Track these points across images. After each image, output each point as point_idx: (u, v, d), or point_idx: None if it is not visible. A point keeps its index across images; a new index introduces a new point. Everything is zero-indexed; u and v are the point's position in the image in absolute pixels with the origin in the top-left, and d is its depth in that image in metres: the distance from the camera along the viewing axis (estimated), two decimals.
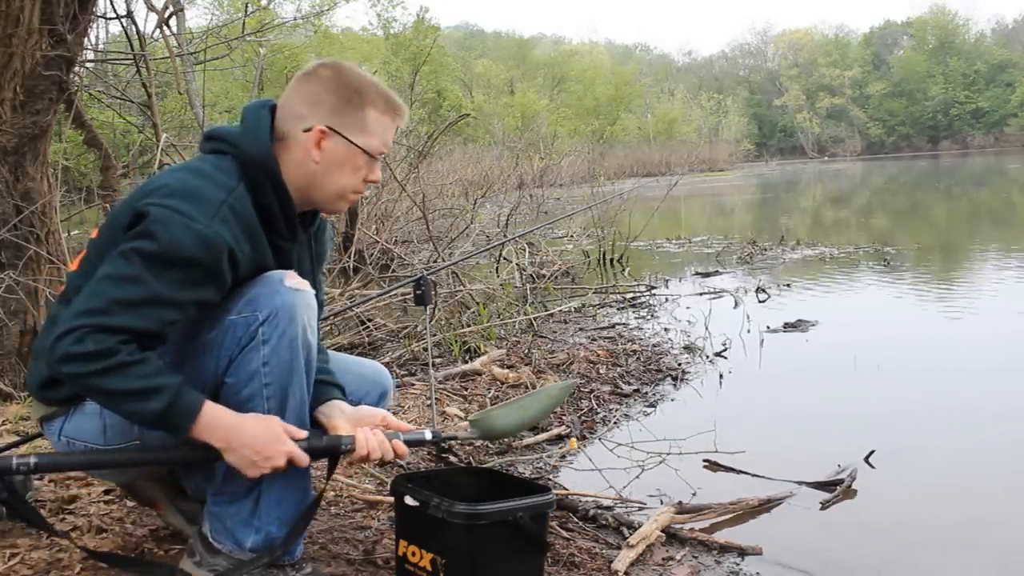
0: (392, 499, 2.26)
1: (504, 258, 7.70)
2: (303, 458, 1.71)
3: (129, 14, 4.84)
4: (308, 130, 1.74)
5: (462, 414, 3.68)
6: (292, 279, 1.74)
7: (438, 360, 4.60)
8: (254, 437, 1.66)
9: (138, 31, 4.86)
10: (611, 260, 9.41)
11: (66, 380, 1.58)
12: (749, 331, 5.69)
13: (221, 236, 1.62)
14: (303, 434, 1.73)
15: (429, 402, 3.47)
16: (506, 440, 3.48)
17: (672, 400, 4.35)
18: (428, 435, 1.90)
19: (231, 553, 1.79)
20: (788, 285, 7.70)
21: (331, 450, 1.78)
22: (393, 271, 7.02)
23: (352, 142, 1.75)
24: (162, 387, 1.57)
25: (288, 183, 1.75)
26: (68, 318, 1.55)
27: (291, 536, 1.81)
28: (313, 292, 1.78)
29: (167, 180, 1.67)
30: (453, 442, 1.88)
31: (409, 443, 1.87)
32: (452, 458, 3.15)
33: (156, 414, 1.58)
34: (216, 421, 1.64)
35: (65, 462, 1.78)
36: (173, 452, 1.73)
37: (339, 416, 1.84)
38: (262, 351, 1.70)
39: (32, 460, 1.65)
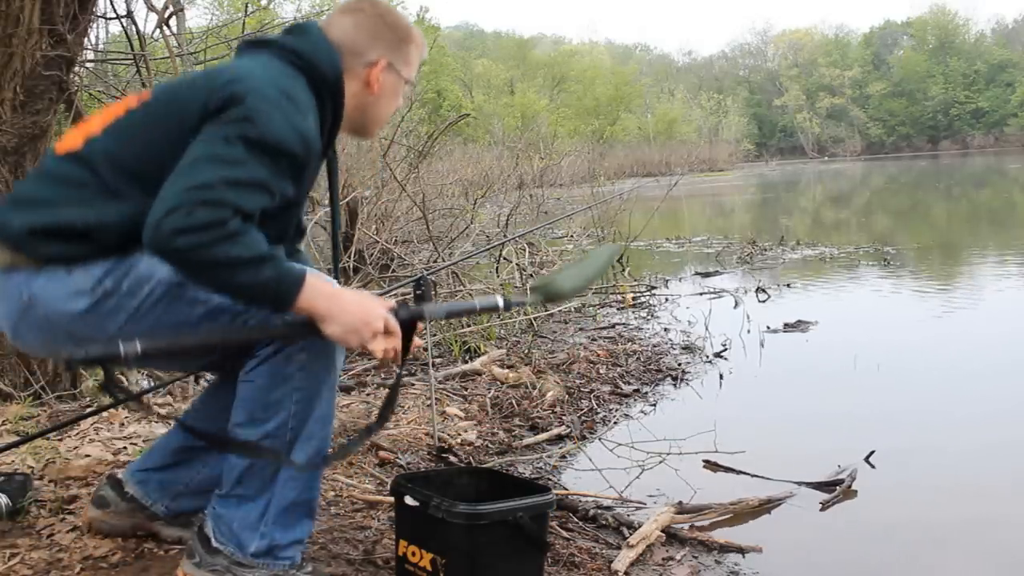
0: (392, 499, 2.26)
1: (504, 258, 7.69)
2: (395, 326, 1.69)
3: (129, 14, 4.83)
4: (371, 64, 1.83)
5: (462, 414, 3.68)
6: None
7: (438, 360, 4.60)
8: (355, 303, 1.65)
9: (138, 31, 4.86)
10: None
11: (173, 256, 1.53)
12: (749, 331, 5.69)
13: (315, 137, 1.69)
14: (391, 303, 1.72)
15: (429, 402, 3.47)
16: (506, 440, 3.49)
17: (672, 400, 4.35)
18: (500, 302, 1.89)
19: (232, 555, 1.78)
20: (788, 285, 7.70)
21: (415, 317, 1.76)
22: (393, 271, 7.02)
23: (401, 74, 1.88)
24: (272, 256, 1.57)
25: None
26: (171, 194, 1.52)
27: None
28: None
29: (254, 69, 1.68)
30: (521, 306, 1.90)
31: (482, 310, 1.92)
32: (452, 458, 3.15)
33: (268, 282, 1.56)
34: (319, 290, 1.62)
35: (175, 344, 1.68)
36: (277, 329, 1.70)
37: None
38: (297, 358, 1.73)
39: (139, 345, 1.57)
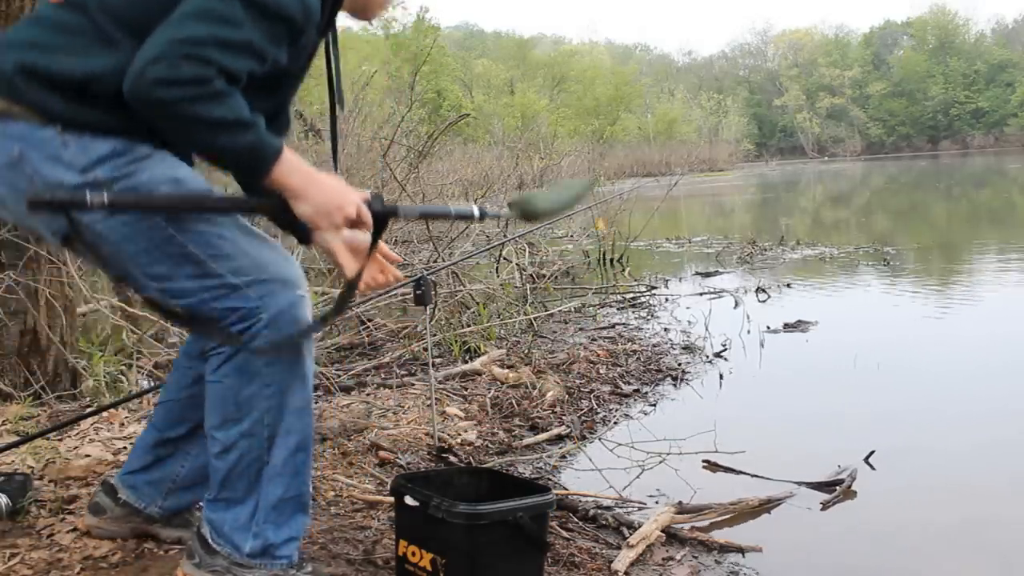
0: (392, 499, 2.26)
1: (504, 258, 7.69)
2: (368, 215, 1.68)
3: None
4: None
5: (462, 414, 3.68)
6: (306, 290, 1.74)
7: (438, 360, 4.60)
8: (331, 185, 1.64)
9: None
10: (611, 260, 9.41)
11: (152, 108, 1.50)
12: (749, 331, 5.69)
13: (316, 5, 1.65)
14: (365, 194, 1.71)
15: (429, 402, 3.47)
16: (506, 440, 3.49)
17: (672, 400, 4.35)
18: (476, 211, 1.89)
19: (229, 555, 1.78)
20: (788, 285, 7.70)
21: (388, 215, 1.74)
22: None
23: None
24: (253, 122, 1.55)
25: None
26: (158, 44, 1.49)
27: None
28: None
29: None
30: (496, 219, 1.91)
31: (457, 216, 1.91)
32: (452, 458, 3.15)
33: (246, 148, 1.55)
34: (295, 165, 1.61)
35: (143, 201, 1.63)
36: (248, 202, 1.71)
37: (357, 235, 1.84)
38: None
39: (106, 196, 1.55)
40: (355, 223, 1.68)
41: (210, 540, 1.79)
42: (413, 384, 4.03)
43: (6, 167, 1.62)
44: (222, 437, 1.75)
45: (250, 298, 1.68)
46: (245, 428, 1.73)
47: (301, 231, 1.80)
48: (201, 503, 1.88)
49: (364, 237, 1.81)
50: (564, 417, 3.86)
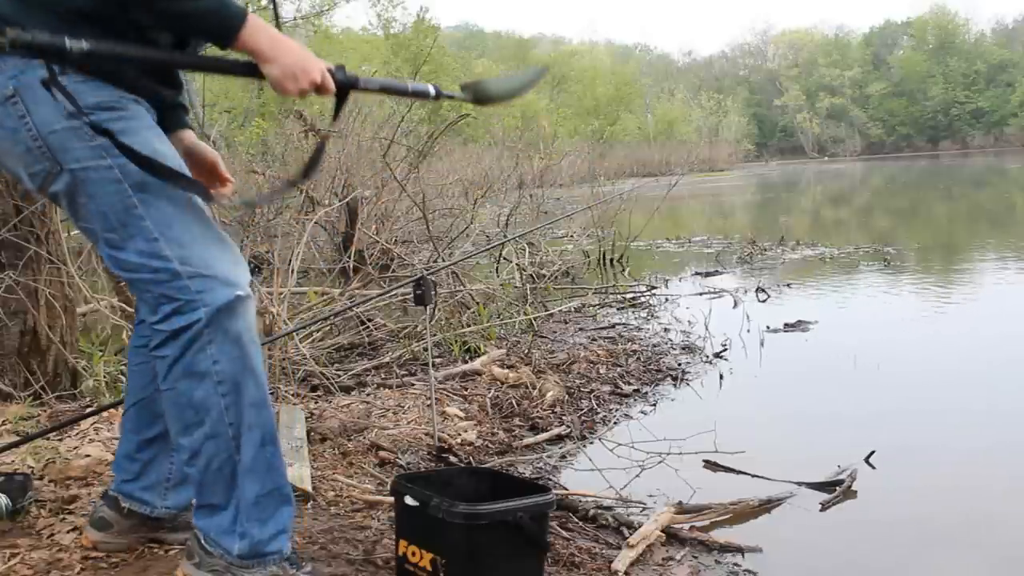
0: (392, 499, 2.26)
1: (504, 258, 7.70)
2: (331, 82, 1.72)
3: None
4: None
5: (462, 414, 3.68)
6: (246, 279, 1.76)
7: (438, 360, 4.60)
8: (297, 49, 1.67)
9: None
10: (611, 260, 9.41)
11: None
12: (749, 331, 5.69)
13: None
14: (328, 64, 1.74)
15: (429, 402, 3.47)
16: (506, 440, 3.49)
17: (672, 400, 4.35)
18: (432, 90, 1.93)
19: (223, 556, 1.78)
20: (788, 285, 7.70)
21: (350, 84, 1.78)
22: (393, 271, 7.01)
23: None
24: None
25: None
26: None
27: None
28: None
29: None
30: (450, 99, 1.98)
31: (414, 93, 1.95)
32: (452, 458, 3.15)
33: (211, 10, 1.59)
34: (262, 27, 1.64)
35: (121, 51, 1.65)
36: (221, 63, 1.76)
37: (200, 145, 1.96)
38: (208, 352, 1.70)
39: (85, 45, 1.56)
40: (319, 88, 1.72)
41: (203, 543, 1.79)
42: (413, 384, 4.03)
43: None
44: (188, 443, 1.74)
45: (188, 290, 1.68)
46: (208, 430, 1.72)
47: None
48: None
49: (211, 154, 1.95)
50: (564, 417, 3.86)
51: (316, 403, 3.49)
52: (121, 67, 1.68)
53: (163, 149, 1.72)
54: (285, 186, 1.92)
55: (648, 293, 7.45)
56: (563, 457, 3.43)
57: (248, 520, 1.76)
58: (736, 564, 2.53)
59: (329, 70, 1.72)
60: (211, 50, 1.77)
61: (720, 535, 2.69)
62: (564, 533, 2.57)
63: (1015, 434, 3.65)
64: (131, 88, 1.71)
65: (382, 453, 3.02)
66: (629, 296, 7.24)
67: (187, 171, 1.77)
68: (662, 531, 2.63)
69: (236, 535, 1.76)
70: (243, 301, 1.73)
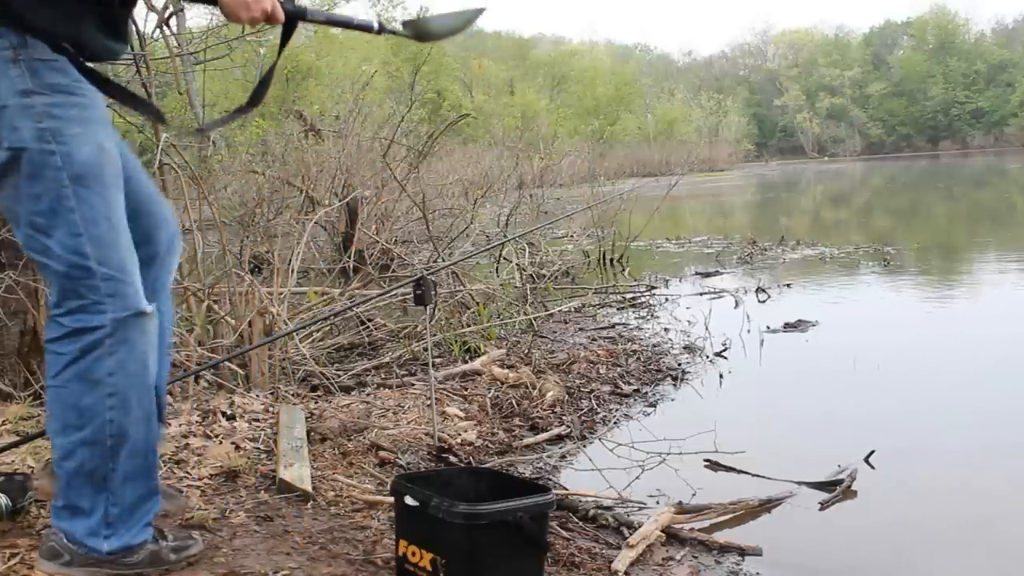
0: (392, 499, 2.26)
1: (504, 258, 7.70)
2: (280, 12, 1.82)
3: None
4: None
5: (462, 414, 3.68)
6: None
7: (438, 360, 4.60)
8: None
9: (138, 31, 4.85)
10: (611, 260, 9.41)
11: None
12: (749, 331, 5.69)
13: None
14: None
15: (429, 402, 3.46)
16: (506, 440, 3.49)
17: (672, 400, 4.35)
18: (376, 24, 2.04)
19: (92, 554, 1.76)
20: (788, 285, 7.70)
21: (298, 15, 1.90)
22: (393, 271, 7.02)
23: None
24: None
25: None
26: None
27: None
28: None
29: None
30: (392, 34, 2.11)
31: (358, 26, 2.07)
32: (452, 458, 3.15)
33: None
34: None
35: None
36: None
37: None
38: (107, 363, 1.70)
39: None
40: (269, 17, 1.82)
41: (68, 543, 1.76)
42: (413, 384, 4.03)
43: None
44: (61, 443, 1.73)
45: (98, 291, 1.69)
46: (86, 436, 1.71)
47: None
48: None
49: None
50: (564, 417, 3.86)
51: (316, 403, 3.49)
52: (76, 21, 1.70)
53: (108, 145, 1.74)
54: (234, 114, 2.01)
55: (648, 293, 7.45)
56: (563, 457, 3.43)
57: (123, 523, 1.76)
58: (736, 564, 2.53)
59: (281, 1, 1.82)
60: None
61: (720, 535, 2.69)
62: (564, 533, 2.57)
63: (1015, 434, 3.65)
64: (86, 69, 1.72)
65: (382, 453, 3.02)
66: (629, 296, 7.24)
67: (119, 173, 1.78)
68: (662, 531, 2.63)
69: (102, 537, 1.75)
70: (151, 317, 1.75)
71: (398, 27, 2.09)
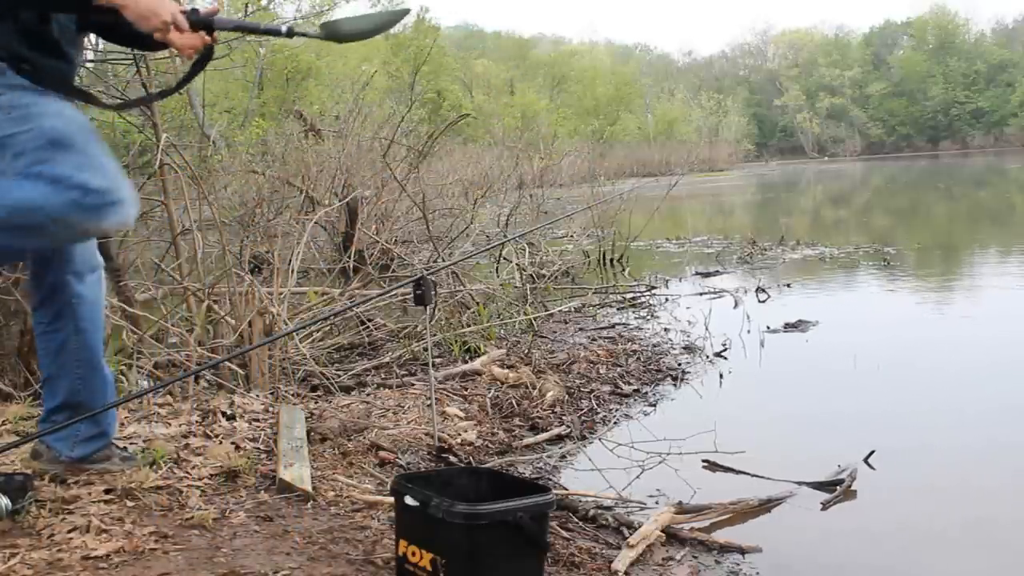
0: (392, 499, 2.26)
1: (504, 258, 7.70)
2: (184, 22, 1.99)
3: None
4: None
5: (462, 414, 3.68)
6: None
7: (438, 360, 4.60)
8: None
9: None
10: (611, 260, 9.42)
11: None
12: (749, 331, 5.69)
13: None
14: (184, 7, 2.02)
15: (429, 402, 3.47)
16: (506, 440, 3.49)
17: (672, 400, 4.35)
18: (284, 29, 2.16)
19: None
20: (788, 285, 7.70)
21: (205, 20, 2.03)
22: (393, 271, 7.02)
23: None
24: None
25: None
26: None
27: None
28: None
29: None
30: (303, 36, 2.18)
31: (266, 31, 2.23)
32: (452, 458, 3.15)
33: None
34: None
35: None
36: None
37: None
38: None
39: None
40: (175, 26, 1.98)
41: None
42: (413, 384, 4.03)
43: None
44: None
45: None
46: None
47: (144, 42, 2.11)
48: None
49: None
50: (564, 417, 3.86)
51: (316, 403, 3.49)
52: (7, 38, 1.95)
53: (69, 112, 2.04)
54: (157, 95, 2.22)
55: (648, 293, 7.45)
56: (563, 457, 3.43)
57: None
58: (736, 564, 2.53)
59: (184, 12, 1.98)
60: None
61: (720, 535, 2.69)
62: (564, 533, 2.57)
63: (1015, 434, 3.65)
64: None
65: (382, 453, 3.02)
66: (629, 296, 7.24)
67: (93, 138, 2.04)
68: (662, 531, 2.63)
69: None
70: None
71: (311, 29, 2.16)
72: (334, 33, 2.15)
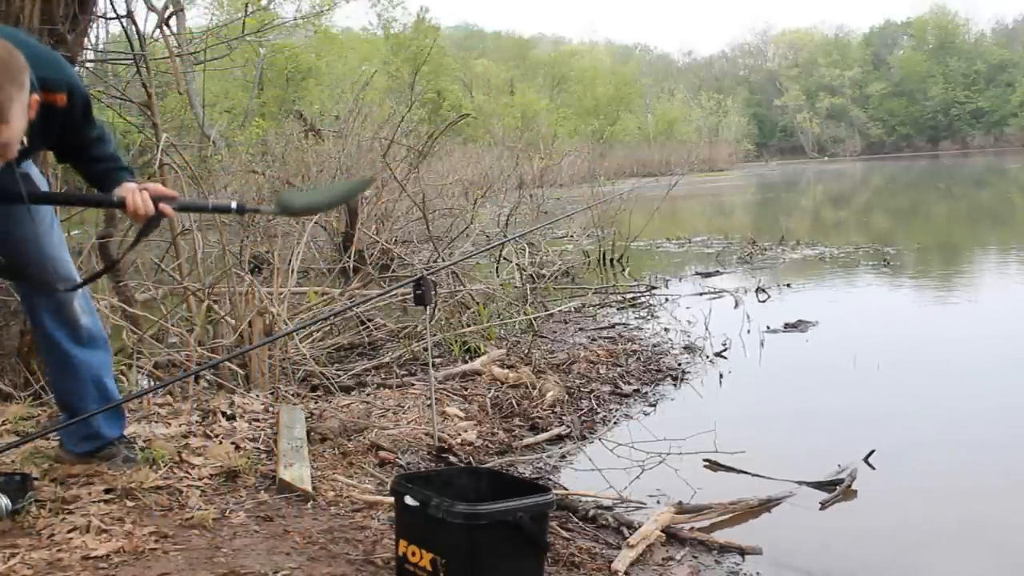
0: (392, 499, 2.26)
1: (504, 258, 7.69)
2: (151, 207, 2.06)
3: (129, 14, 4.82)
4: None
5: (462, 414, 3.68)
6: None
7: (438, 360, 4.60)
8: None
9: (138, 31, 4.85)
10: (611, 260, 9.41)
11: None
12: (749, 331, 5.69)
13: None
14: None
15: (429, 402, 3.46)
16: (506, 440, 3.49)
17: (672, 400, 4.35)
18: (233, 205, 2.15)
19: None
20: (788, 285, 7.70)
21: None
22: (393, 271, 7.02)
23: None
24: None
25: None
26: None
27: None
28: None
29: None
30: (256, 214, 2.15)
31: (215, 209, 2.24)
32: (452, 458, 3.15)
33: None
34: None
35: None
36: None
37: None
38: None
39: None
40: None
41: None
42: (413, 384, 4.03)
43: None
44: None
45: None
46: None
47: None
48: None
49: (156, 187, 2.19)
50: (564, 417, 3.86)
51: (316, 403, 3.49)
52: None
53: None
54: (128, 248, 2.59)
55: (648, 293, 7.45)
56: (563, 457, 3.43)
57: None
58: (736, 564, 2.53)
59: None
60: None
61: (720, 535, 2.69)
62: (564, 533, 2.57)
63: (1015, 434, 3.65)
64: None
65: (382, 453, 3.02)
66: (629, 296, 7.24)
67: None
68: (662, 531, 2.63)
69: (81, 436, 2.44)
70: None
71: (262, 206, 2.23)
72: (286, 206, 2.17)
